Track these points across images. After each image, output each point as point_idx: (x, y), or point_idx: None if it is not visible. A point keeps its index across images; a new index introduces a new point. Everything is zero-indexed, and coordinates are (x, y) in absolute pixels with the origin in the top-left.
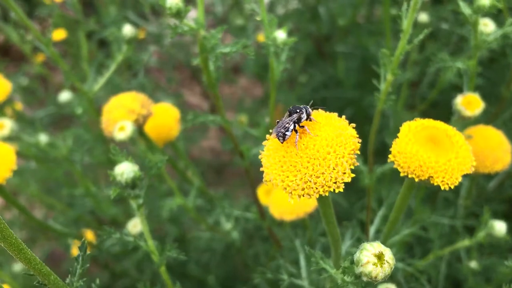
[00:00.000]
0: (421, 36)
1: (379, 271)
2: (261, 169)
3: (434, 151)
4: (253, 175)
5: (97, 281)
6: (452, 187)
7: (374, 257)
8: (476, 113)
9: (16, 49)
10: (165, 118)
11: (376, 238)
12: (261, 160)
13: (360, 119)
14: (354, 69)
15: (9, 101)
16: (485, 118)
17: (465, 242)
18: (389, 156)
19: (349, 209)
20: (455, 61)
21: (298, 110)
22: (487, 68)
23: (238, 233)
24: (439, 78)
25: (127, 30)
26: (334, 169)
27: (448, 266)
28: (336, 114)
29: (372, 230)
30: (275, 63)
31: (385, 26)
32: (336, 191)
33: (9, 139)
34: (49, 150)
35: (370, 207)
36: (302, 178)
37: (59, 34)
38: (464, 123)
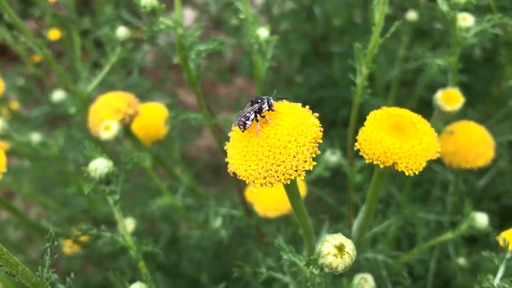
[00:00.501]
0: (392, 29)
1: (339, 262)
2: (226, 159)
3: (398, 138)
4: None
5: (72, 275)
6: (417, 172)
7: (334, 248)
8: (456, 108)
9: (13, 49)
10: (153, 117)
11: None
12: (226, 151)
13: (358, 118)
14: (349, 69)
15: (4, 100)
16: (478, 116)
17: (448, 235)
18: (355, 144)
19: (335, 205)
20: (435, 58)
21: (259, 100)
22: (481, 67)
23: (227, 231)
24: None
25: (121, 31)
26: (294, 157)
27: (437, 263)
28: (299, 104)
29: (355, 224)
30: (260, 61)
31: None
32: (297, 179)
33: (1, 137)
34: (40, 149)
35: (352, 201)
36: (263, 167)
37: (54, 34)
38: (445, 118)
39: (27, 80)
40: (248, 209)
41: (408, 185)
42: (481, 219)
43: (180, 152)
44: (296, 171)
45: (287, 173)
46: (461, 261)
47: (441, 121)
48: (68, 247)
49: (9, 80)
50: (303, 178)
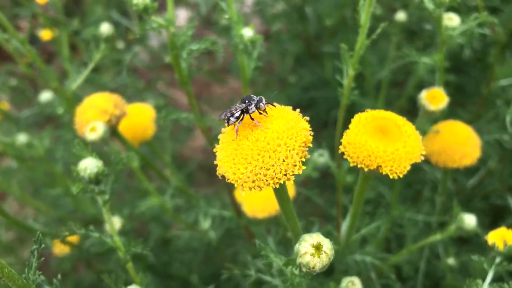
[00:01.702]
0: (378, 31)
1: (317, 261)
2: (215, 162)
3: (382, 141)
4: None
5: (59, 276)
6: (401, 175)
7: (312, 247)
8: (440, 107)
9: (5, 49)
10: (140, 118)
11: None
12: (216, 153)
13: (348, 118)
14: (341, 69)
15: None
16: (469, 116)
17: (437, 236)
18: (340, 147)
19: (324, 206)
20: (421, 56)
21: (247, 101)
22: (472, 67)
23: (216, 232)
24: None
25: (104, 28)
26: (284, 161)
27: (427, 263)
28: (290, 107)
29: (344, 225)
30: (246, 61)
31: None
32: (287, 183)
33: None
34: (26, 150)
35: (341, 202)
36: (252, 171)
37: (46, 34)
38: (431, 118)
39: (20, 80)
40: (238, 210)
41: (398, 186)
42: (469, 220)
43: (172, 153)
44: (285, 175)
45: (276, 177)
46: (451, 261)
47: (428, 120)
48: (58, 247)
49: (0, 80)
50: (292, 182)
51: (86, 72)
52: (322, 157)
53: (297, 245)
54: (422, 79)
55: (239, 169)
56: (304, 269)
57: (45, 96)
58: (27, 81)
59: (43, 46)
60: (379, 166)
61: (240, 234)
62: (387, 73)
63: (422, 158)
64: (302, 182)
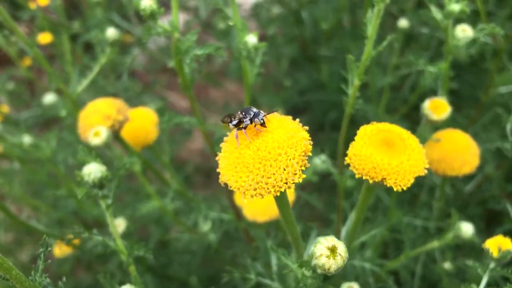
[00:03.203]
0: (385, 43)
1: (332, 263)
2: (217, 170)
3: (387, 154)
4: None
5: (64, 279)
6: (405, 188)
7: (327, 250)
8: (442, 117)
9: (4, 53)
10: (142, 122)
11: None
12: (218, 161)
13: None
14: (337, 72)
15: None
16: (465, 122)
17: (434, 244)
18: (346, 158)
19: (324, 210)
20: (427, 65)
21: (244, 113)
22: (467, 72)
23: (215, 235)
24: (419, 82)
25: (111, 32)
26: (284, 170)
27: (423, 267)
28: (290, 117)
29: (344, 230)
30: (249, 67)
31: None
32: (287, 191)
33: None
34: (33, 151)
35: (341, 209)
36: (254, 179)
37: (45, 38)
38: (433, 127)
39: (18, 83)
40: (238, 213)
41: (396, 192)
42: (467, 229)
43: (171, 156)
44: (286, 183)
45: (277, 185)
46: (447, 265)
47: (429, 129)
48: (58, 249)
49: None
50: (292, 190)
51: (91, 76)
52: (324, 164)
53: (312, 248)
54: (423, 87)
55: (241, 177)
56: (319, 271)
57: (49, 98)
58: (25, 84)
59: (41, 50)
60: (383, 179)
61: (239, 237)
62: (390, 79)
63: (426, 171)
64: (301, 186)
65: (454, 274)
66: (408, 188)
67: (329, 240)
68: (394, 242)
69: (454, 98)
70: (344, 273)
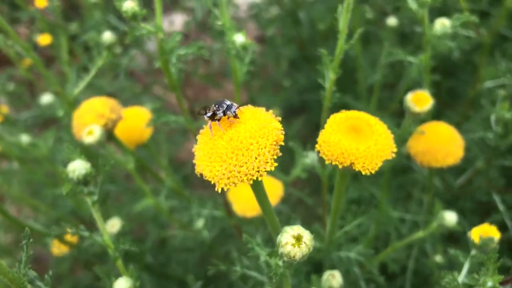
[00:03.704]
0: (356, 36)
1: (297, 251)
2: (193, 161)
3: (355, 139)
4: None
5: (50, 272)
6: (373, 172)
7: (292, 238)
8: (425, 109)
9: (3, 55)
10: (136, 121)
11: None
12: (194, 153)
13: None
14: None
15: None
16: (458, 118)
17: (419, 234)
18: (316, 145)
19: (314, 206)
20: (407, 55)
21: (217, 106)
22: (461, 70)
23: (211, 232)
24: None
25: (107, 36)
26: (256, 158)
27: (415, 261)
28: (263, 108)
29: (328, 223)
30: (238, 65)
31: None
32: (259, 179)
33: None
34: (30, 150)
35: (326, 201)
36: (227, 168)
37: (45, 39)
38: (416, 119)
39: (18, 84)
40: (229, 210)
41: (386, 185)
42: (450, 217)
43: (168, 156)
44: (258, 171)
45: (250, 174)
46: (438, 258)
47: (414, 122)
48: (56, 248)
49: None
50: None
51: (88, 78)
52: (307, 158)
53: (279, 236)
54: (414, 82)
55: (215, 167)
56: (285, 259)
57: (46, 98)
58: (25, 85)
59: (40, 51)
60: (352, 163)
61: (233, 233)
62: (380, 77)
63: (394, 155)
64: (296, 183)
65: (446, 267)
66: (402, 186)
67: (295, 229)
68: (386, 238)
69: (448, 95)
70: (333, 266)
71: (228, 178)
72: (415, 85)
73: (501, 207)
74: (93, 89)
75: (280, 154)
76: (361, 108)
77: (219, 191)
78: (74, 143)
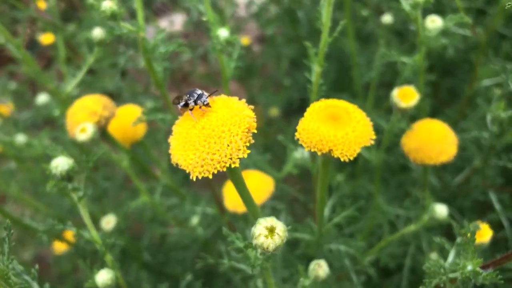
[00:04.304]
0: (339, 28)
1: (270, 242)
2: (169, 151)
3: (333, 127)
4: None
5: (37, 266)
6: (352, 158)
7: (265, 229)
8: (411, 104)
9: (5, 54)
10: (130, 119)
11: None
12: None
13: None
14: (331, 70)
15: None
16: (456, 116)
17: (411, 227)
18: (295, 134)
19: (307, 201)
20: (400, 56)
21: (188, 95)
22: (459, 69)
23: (208, 229)
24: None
25: (97, 32)
26: (228, 146)
27: (412, 258)
28: (236, 98)
29: (317, 214)
30: (226, 61)
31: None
32: (232, 166)
33: None
34: (25, 150)
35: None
36: (200, 156)
37: (47, 38)
38: (404, 115)
39: (20, 83)
40: (222, 207)
41: (379, 180)
42: (441, 210)
43: (168, 155)
44: (231, 158)
45: (222, 161)
46: (434, 256)
47: (402, 117)
48: (57, 247)
49: (1, 84)
50: (237, 165)
51: (80, 75)
52: (297, 152)
53: (252, 228)
54: (409, 81)
55: (188, 156)
56: (259, 250)
57: (42, 98)
58: (27, 84)
59: (42, 51)
60: (330, 150)
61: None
62: (375, 74)
63: (372, 142)
64: (291, 180)
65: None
66: (401, 185)
67: (268, 221)
68: (380, 234)
69: (446, 93)
70: (325, 258)
71: (202, 166)
72: (411, 84)
73: (497, 206)
74: (93, 89)
75: (252, 141)
76: (357, 106)
77: (194, 179)
78: (72, 142)
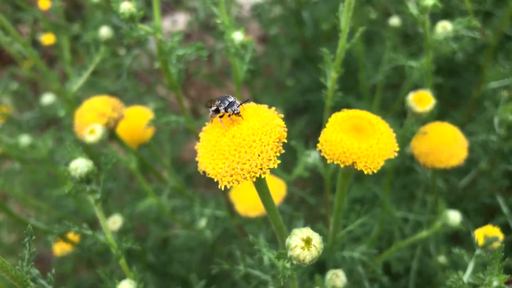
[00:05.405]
0: (357, 35)
1: (306, 254)
2: (196, 159)
3: (357, 138)
4: None
5: (53, 270)
6: (375, 171)
7: (302, 241)
8: (427, 109)
9: (7, 54)
10: (138, 121)
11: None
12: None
13: None
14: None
15: None
16: (462, 118)
17: (423, 233)
18: (317, 145)
19: (317, 205)
20: (408, 60)
21: (219, 101)
22: (466, 70)
23: (214, 232)
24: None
25: (104, 31)
26: (259, 156)
27: (419, 261)
28: (266, 106)
29: (332, 222)
30: (238, 64)
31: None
32: (262, 176)
33: None
34: (29, 151)
35: (329, 201)
36: (229, 165)
37: (48, 39)
38: (418, 119)
39: (21, 84)
40: (232, 209)
41: (389, 185)
42: (454, 217)
43: (171, 155)
44: (261, 169)
45: (252, 171)
46: (442, 259)
47: (416, 121)
48: (59, 247)
49: (2, 84)
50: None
51: (86, 74)
52: (309, 157)
53: (287, 239)
54: (417, 83)
55: (217, 164)
56: (294, 262)
57: (47, 98)
58: (28, 85)
59: (44, 51)
60: (354, 162)
61: (236, 233)
62: (382, 77)
63: (396, 154)
64: (299, 182)
65: (449, 268)
66: (406, 187)
67: (304, 232)
68: (389, 238)
69: (453, 96)
70: (336, 265)
71: (231, 176)
72: (418, 86)
73: (504, 209)
74: (97, 89)
75: (283, 151)
76: (363, 108)
77: (222, 188)
78: (76, 142)
